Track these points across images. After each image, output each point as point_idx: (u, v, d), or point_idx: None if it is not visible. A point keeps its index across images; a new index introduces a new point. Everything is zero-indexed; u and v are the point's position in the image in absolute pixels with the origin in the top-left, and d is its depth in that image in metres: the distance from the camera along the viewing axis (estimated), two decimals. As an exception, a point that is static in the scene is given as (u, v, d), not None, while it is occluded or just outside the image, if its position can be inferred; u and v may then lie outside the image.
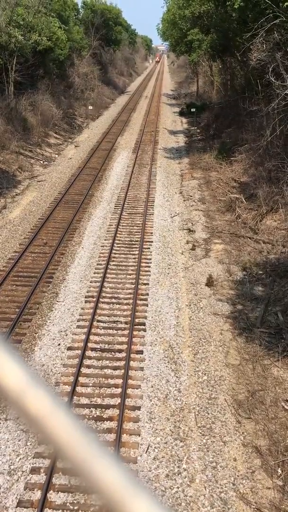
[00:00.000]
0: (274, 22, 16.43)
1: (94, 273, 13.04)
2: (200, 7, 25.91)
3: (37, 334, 10.26)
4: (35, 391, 0.53)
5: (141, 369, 9.22)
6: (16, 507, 6.35)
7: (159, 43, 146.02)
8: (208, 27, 27.55)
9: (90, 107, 38.21)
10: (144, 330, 10.53)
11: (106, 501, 0.51)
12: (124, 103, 47.51)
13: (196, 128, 33.81)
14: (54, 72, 32.64)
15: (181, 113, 40.20)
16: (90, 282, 12.53)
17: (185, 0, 27.24)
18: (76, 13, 45.70)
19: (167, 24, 36.32)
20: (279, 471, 7.07)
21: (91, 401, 8.32)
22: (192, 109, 35.76)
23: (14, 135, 23.73)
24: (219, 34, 26.15)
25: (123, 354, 9.56)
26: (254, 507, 6.53)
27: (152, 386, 8.75)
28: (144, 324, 10.75)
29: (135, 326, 10.54)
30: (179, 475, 6.94)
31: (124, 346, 9.82)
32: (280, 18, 16.14)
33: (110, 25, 52.18)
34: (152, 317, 11.05)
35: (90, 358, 9.46)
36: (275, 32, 16.55)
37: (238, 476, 6.99)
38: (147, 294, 12.05)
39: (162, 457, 7.23)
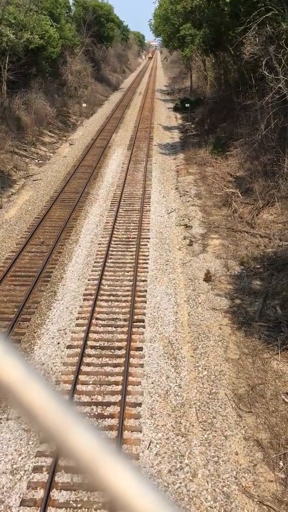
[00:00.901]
0: (266, 15, 16.39)
1: (92, 271, 13.04)
2: (192, 2, 25.82)
3: (36, 334, 10.25)
4: (9, 362, 0.54)
5: (141, 365, 9.23)
6: (20, 506, 6.36)
7: (151, 39, 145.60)
8: (201, 22, 27.47)
9: (84, 105, 38.10)
10: (143, 326, 10.54)
11: (82, 466, 0.51)
12: (118, 100, 47.39)
13: (190, 123, 33.77)
14: (47, 70, 32.50)
15: (176, 109, 40.12)
16: (88, 280, 12.52)
17: (176, -5, 27.16)
18: (67, 11, 45.50)
19: (159, 20, 36.23)
20: (281, 463, 7.10)
21: (91, 399, 8.33)
22: (186, 105, 35.68)
23: (8, 135, 23.65)
24: (211, 29, 26.09)
25: (123, 351, 9.57)
26: (256, 500, 6.55)
27: (152, 383, 8.76)
28: (143, 320, 10.75)
29: (134, 323, 10.54)
30: (181, 470, 6.96)
31: (124, 343, 9.82)
32: (272, 11, 16.11)
33: (102, 21, 51.98)
34: (151, 314, 11.05)
35: (89, 356, 9.47)
36: (267, 25, 16.52)
37: (240, 470, 7.02)
38: (146, 291, 12.05)
39: (164, 453, 7.25)
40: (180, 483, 6.76)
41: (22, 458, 7.07)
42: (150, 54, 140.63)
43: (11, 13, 26.21)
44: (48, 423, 0.52)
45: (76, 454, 0.52)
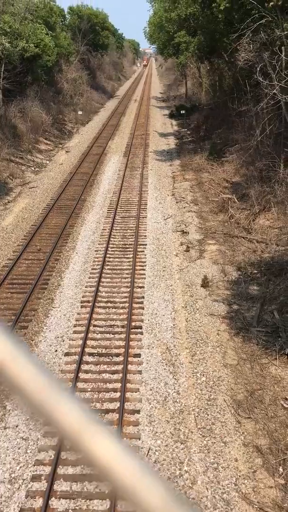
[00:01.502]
0: (260, 22, 16.52)
1: (89, 277, 13.02)
2: (186, 10, 26.02)
3: (33, 341, 10.21)
4: None
5: (139, 372, 9.20)
6: (18, 516, 6.31)
7: (146, 46, 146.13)
8: (195, 29, 27.68)
9: (80, 112, 38.22)
10: (141, 333, 10.52)
11: (67, 438, 0.53)
12: (113, 107, 47.57)
13: (186, 130, 33.91)
14: (42, 78, 32.62)
15: (171, 116, 40.29)
16: (85, 287, 12.50)
17: (171, 3, 27.34)
18: (62, 19, 45.73)
19: (154, 27, 36.47)
20: (281, 469, 7.07)
21: (90, 407, 8.27)
22: (181, 111, 35.85)
23: (4, 143, 23.68)
24: (206, 36, 26.26)
25: (121, 358, 9.55)
26: (256, 506, 6.52)
27: (151, 389, 8.73)
28: (140, 327, 10.73)
29: (132, 330, 10.52)
30: (181, 477, 6.93)
31: (122, 350, 9.80)
32: (266, 18, 16.23)
33: (97, 30, 52.24)
34: (148, 320, 11.04)
35: (87, 363, 9.43)
36: (261, 32, 16.65)
37: (239, 476, 6.98)
38: (143, 297, 12.04)
39: (163, 460, 7.21)
40: (180, 490, 6.72)
41: (20, 467, 7.02)
42: (145, 61, 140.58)
43: (6, 22, 26.33)
44: (35, 397, 0.53)
45: (61, 425, 0.53)
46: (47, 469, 6.93)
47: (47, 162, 26.38)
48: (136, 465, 0.53)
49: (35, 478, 6.83)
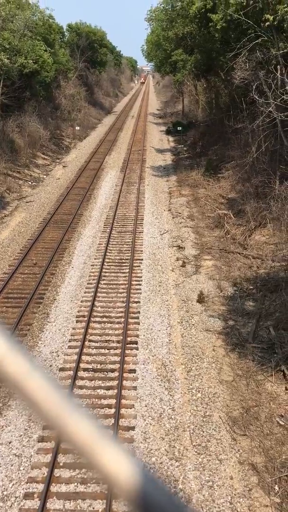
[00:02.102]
0: (256, 41, 16.79)
1: (85, 292, 12.99)
2: (183, 29, 26.42)
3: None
4: (14, 357, 0.58)
5: (134, 388, 9.14)
6: (10, 534, 6.20)
7: (144, 64, 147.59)
8: (192, 48, 28.07)
9: (77, 128, 38.50)
10: (137, 348, 10.46)
11: (79, 450, 0.57)
12: (111, 123, 47.95)
13: (183, 146, 34.18)
14: (40, 94, 32.94)
15: (168, 132, 40.64)
16: (81, 302, 12.46)
17: (168, 22, 27.77)
18: (61, 36, 46.29)
19: (151, 46, 36.97)
20: (276, 488, 7.00)
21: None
22: (178, 128, 36.18)
23: (1, 157, 23.79)
24: (202, 54, 26.63)
25: (116, 374, 9.48)
26: (252, 526, 6.43)
27: (146, 405, 8.66)
28: (136, 342, 10.68)
29: (127, 345, 10.47)
30: (175, 495, 6.83)
31: (117, 366, 9.74)
32: (261, 37, 16.51)
33: (95, 47, 52.88)
34: (144, 335, 10.99)
35: (82, 378, 9.36)
36: (257, 51, 16.91)
37: (235, 494, 6.90)
38: (139, 312, 12.01)
39: (158, 478, 7.11)
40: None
41: (13, 484, 6.92)
42: (142, 79, 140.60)
43: (6, 39, 26.64)
44: (49, 411, 0.58)
45: (74, 438, 0.58)
46: (40, 487, 6.83)
47: (44, 176, 26.48)
48: (144, 477, 0.58)
49: (28, 495, 6.73)
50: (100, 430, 0.58)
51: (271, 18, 15.16)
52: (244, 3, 16.57)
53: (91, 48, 50.89)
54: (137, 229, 17.99)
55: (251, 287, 12.97)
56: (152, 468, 6.70)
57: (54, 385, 0.58)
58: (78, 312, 11.95)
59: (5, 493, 6.78)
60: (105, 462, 0.57)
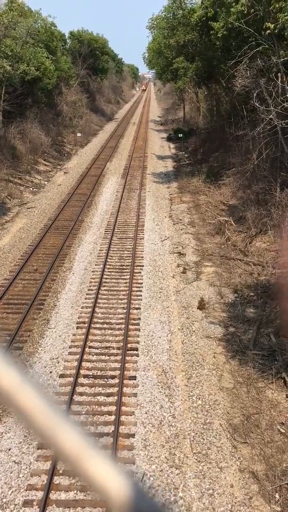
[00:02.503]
0: (257, 49, 16.89)
1: (86, 298, 12.98)
2: (184, 36, 26.58)
3: (28, 362, 10.12)
4: (4, 369, 0.59)
5: (135, 395, 9.11)
6: None
7: (145, 71, 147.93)
8: (193, 55, 28.21)
9: (79, 134, 38.64)
10: (137, 355, 10.44)
11: (67, 460, 0.58)
12: (112, 129, 48.12)
13: (184, 153, 34.28)
14: (42, 100, 33.09)
15: (169, 139, 40.78)
16: (82, 308, 12.45)
17: (169, 30, 27.93)
18: (63, 44, 46.57)
19: (153, 53, 37.11)
20: (277, 496, 6.95)
21: (84, 430, 8.16)
22: (179, 135, 36.32)
23: (3, 163, 23.87)
24: (203, 62, 26.77)
25: (116, 380, 9.45)
26: (253, 534, 6.38)
27: (146, 413, 8.63)
28: (136, 349, 10.66)
29: (127, 352, 10.44)
30: (176, 503, 6.79)
31: (117, 372, 9.71)
32: (262, 45, 16.60)
33: (97, 54, 53.15)
34: (144, 342, 10.97)
35: (82, 385, 9.33)
36: (258, 59, 17.00)
37: (235, 503, 6.85)
38: (139, 319, 11.99)
39: (158, 486, 7.08)
40: (175, 517, 6.59)
41: (12, 492, 6.88)
42: (143, 86, 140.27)
43: (8, 46, 26.81)
44: (39, 424, 0.58)
45: (65, 451, 0.59)
46: (39, 494, 6.79)
47: (46, 182, 26.54)
48: (133, 488, 0.57)
49: (27, 503, 6.69)
50: (90, 443, 0.59)
51: (272, 26, 15.26)
52: (245, 12, 16.69)
53: (92, 55, 51.16)
54: (138, 235, 18.00)
55: (252, 293, 12.96)
56: (146, 477, 6.66)
57: (46, 398, 0.59)
58: (78, 318, 11.93)
59: (4, 500, 6.74)
60: (96, 476, 0.57)
